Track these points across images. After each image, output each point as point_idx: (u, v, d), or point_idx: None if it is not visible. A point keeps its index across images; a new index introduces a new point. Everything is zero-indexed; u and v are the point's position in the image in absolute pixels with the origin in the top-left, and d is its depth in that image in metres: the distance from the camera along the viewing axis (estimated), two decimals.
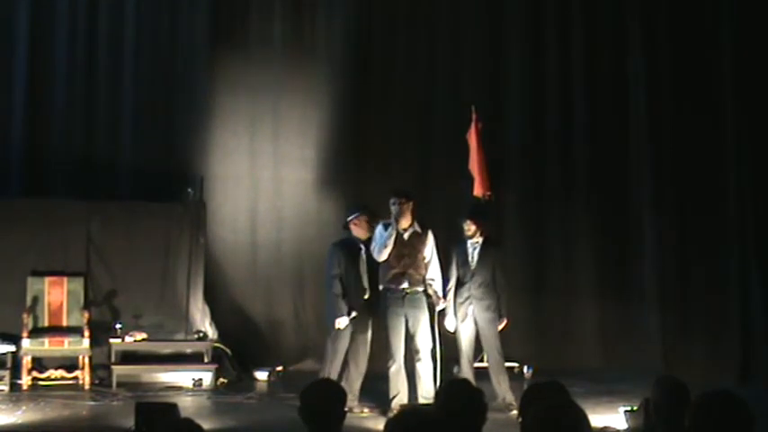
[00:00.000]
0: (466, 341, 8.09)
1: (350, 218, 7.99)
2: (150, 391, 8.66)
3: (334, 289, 7.82)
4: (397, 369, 7.65)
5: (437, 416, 3.31)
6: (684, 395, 4.09)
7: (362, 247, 7.93)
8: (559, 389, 3.97)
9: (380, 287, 7.82)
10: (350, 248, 7.92)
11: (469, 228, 8.11)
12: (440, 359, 7.93)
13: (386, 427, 3.18)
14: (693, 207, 10.30)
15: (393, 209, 7.77)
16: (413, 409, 3.39)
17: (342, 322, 7.76)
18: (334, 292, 7.82)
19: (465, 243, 8.15)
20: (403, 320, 7.70)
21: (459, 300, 8.06)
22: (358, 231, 7.93)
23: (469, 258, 8.10)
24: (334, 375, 7.69)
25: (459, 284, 8.08)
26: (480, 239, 8.12)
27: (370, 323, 7.92)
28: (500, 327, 8.14)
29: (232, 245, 10.15)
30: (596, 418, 7.34)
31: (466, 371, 8.05)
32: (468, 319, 8.07)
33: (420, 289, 7.79)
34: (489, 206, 9.22)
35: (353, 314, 7.79)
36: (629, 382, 8.73)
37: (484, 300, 8.06)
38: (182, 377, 9.05)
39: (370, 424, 7.44)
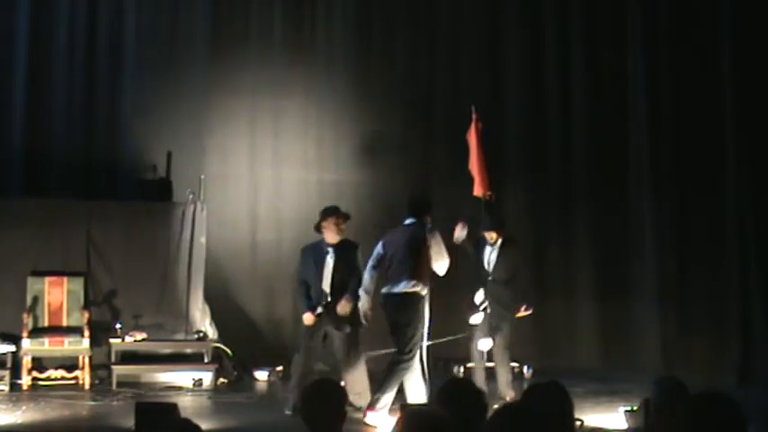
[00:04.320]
0: (481, 341, 8.29)
1: (321, 221, 7.92)
2: (150, 391, 8.66)
3: (296, 290, 7.94)
4: (412, 373, 7.56)
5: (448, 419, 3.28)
6: (684, 395, 4.09)
7: (330, 251, 7.83)
8: (559, 389, 3.97)
9: (420, 290, 7.56)
10: (316, 253, 7.88)
11: (491, 236, 8.37)
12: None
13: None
14: (693, 207, 10.29)
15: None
16: (424, 411, 3.35)
17: (307, 318, 7.74)
18: (296, 294, 7.95)
19: (483, 246, 8.41)
20: None
21: (478, 301, 8.34)
22: (327, 234, 7.86)
23: (485, 262, 8.36)
24: (297, 378, 7.77)
25: (476, 285, 8.38)
26: (499, 242, 8.38)
27: (333, 326, 7.86)
28: (525, 313, 8.38)
29: (232, 245, 10.15)
30: (596, 418, 7.35)
31: (479, 370, 8.27)
32: (486, 319, 8.29)
33: None
34: (491, 206, 9.29)
35: (319, 309, 7.75)
36: (629, 382, 8.73)
37: (500, 298, 8.30)
38: (182, 377, 9.05)
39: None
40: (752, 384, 9.29)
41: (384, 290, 7.63)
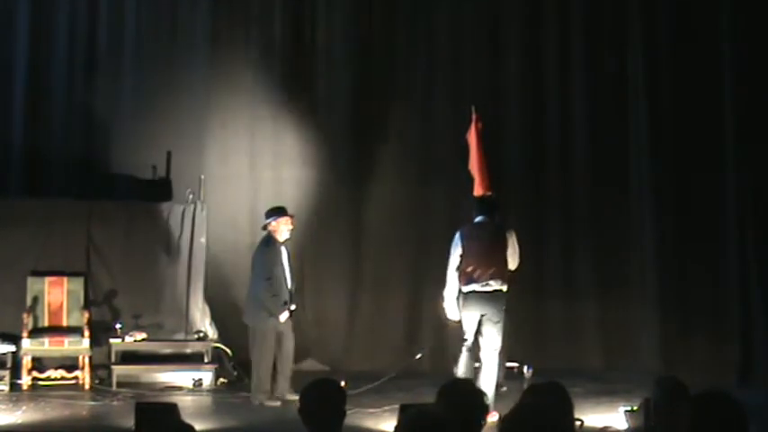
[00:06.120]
0: None
1: (269, 220, 8.17)
2: (150, 391, 8.67)
3: (268, 290, 8.04)
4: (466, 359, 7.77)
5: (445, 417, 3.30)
6: (684, 395, 4.09)
7: (283, 249, 8.19)
8: (559, 389, 3.97)
9: (505, 287, 7.74)
10: (276, 251, 8.14)
11: None
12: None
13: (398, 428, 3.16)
14: (693, 207, 10.28)
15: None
16: (422, 411, 3.36)
17: (284, 315, 8.05)
18: (268, 293, 8.04)
19: None
20: None
21: None
22: (281, 233, 8.13)
23: None
24: (267, 375, 8.06)
25: None
26: None
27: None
28: None
29: (232, 245, 10.14)
30: (596, 418, 7.35)
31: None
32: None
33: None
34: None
35: (293, 306, 8.14)
36: (629, 382, 8.73)
37: None
38: (182, 377, 9.06)
39: (371, 424, 7.44)
40: (752, 384, 9.28)
41: (469, 287, 7.65)
